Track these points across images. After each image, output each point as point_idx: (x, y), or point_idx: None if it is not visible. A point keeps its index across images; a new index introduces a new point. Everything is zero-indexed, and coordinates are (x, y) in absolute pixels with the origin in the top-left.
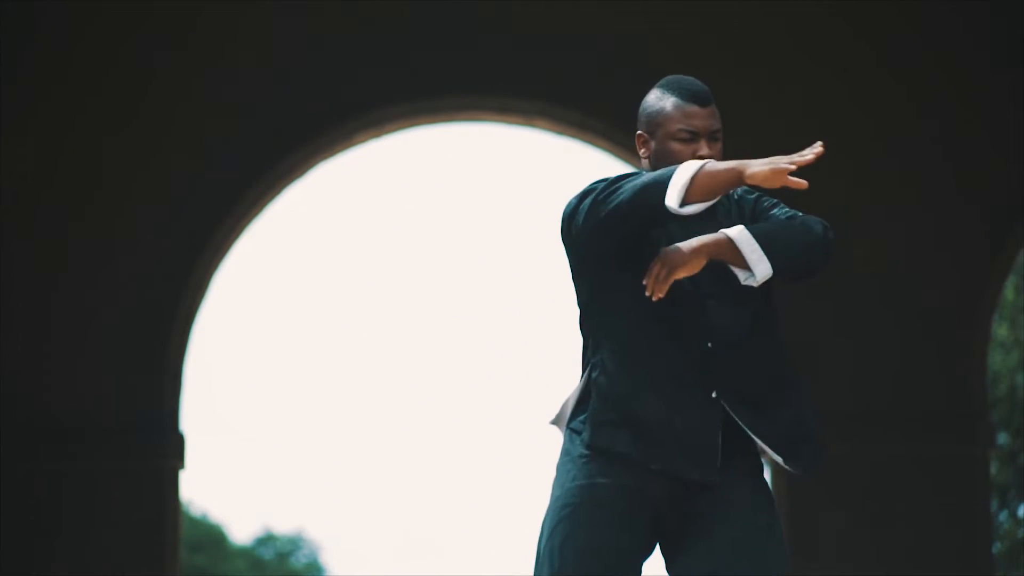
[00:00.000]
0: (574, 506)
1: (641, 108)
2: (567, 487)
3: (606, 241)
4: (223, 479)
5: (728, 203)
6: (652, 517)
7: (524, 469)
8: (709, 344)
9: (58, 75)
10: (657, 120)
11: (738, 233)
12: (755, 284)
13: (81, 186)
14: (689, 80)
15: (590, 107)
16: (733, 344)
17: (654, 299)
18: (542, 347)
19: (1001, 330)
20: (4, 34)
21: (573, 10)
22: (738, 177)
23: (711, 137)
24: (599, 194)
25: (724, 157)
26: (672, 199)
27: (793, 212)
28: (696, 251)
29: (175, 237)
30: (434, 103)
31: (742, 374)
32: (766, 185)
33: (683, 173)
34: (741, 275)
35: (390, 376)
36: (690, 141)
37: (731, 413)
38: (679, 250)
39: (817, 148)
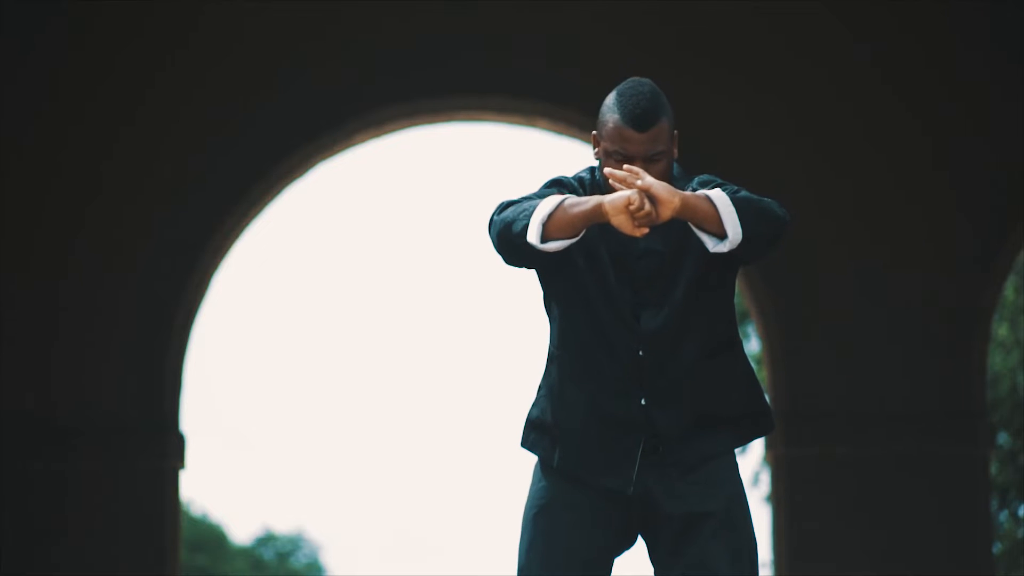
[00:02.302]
0: (540, 507)
1: (601, 107)
2: (537, 487)
3: (512, 262)
4: (223, 479)
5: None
6: (624, 514)
7: (523, 469)
8: (640, 352)
9: (59, 77)
10: (601, 131)
11: (718, 194)
12: (724, 250)
13: (82, 186)
14: (637, 95)
15: (590, 107)
16: (666, 354)
17: (638, 235)
18: (541, 348)
19: (1001, 330)
20: (6, 36)
21: (574, 10)
22: (596, 212)
23: (648, 160)
24: (490, 220)
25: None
26: (532, 236)
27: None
28: (682, 197)
29: (175, 237)
30: (434, 103)
31: (674, 384)
32: (614, 224)
33: (541, 211)
34: (709, 243)
35: (389, 375)
36: (623, 163)
37: (656, 424)
38: (664, 188)
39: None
